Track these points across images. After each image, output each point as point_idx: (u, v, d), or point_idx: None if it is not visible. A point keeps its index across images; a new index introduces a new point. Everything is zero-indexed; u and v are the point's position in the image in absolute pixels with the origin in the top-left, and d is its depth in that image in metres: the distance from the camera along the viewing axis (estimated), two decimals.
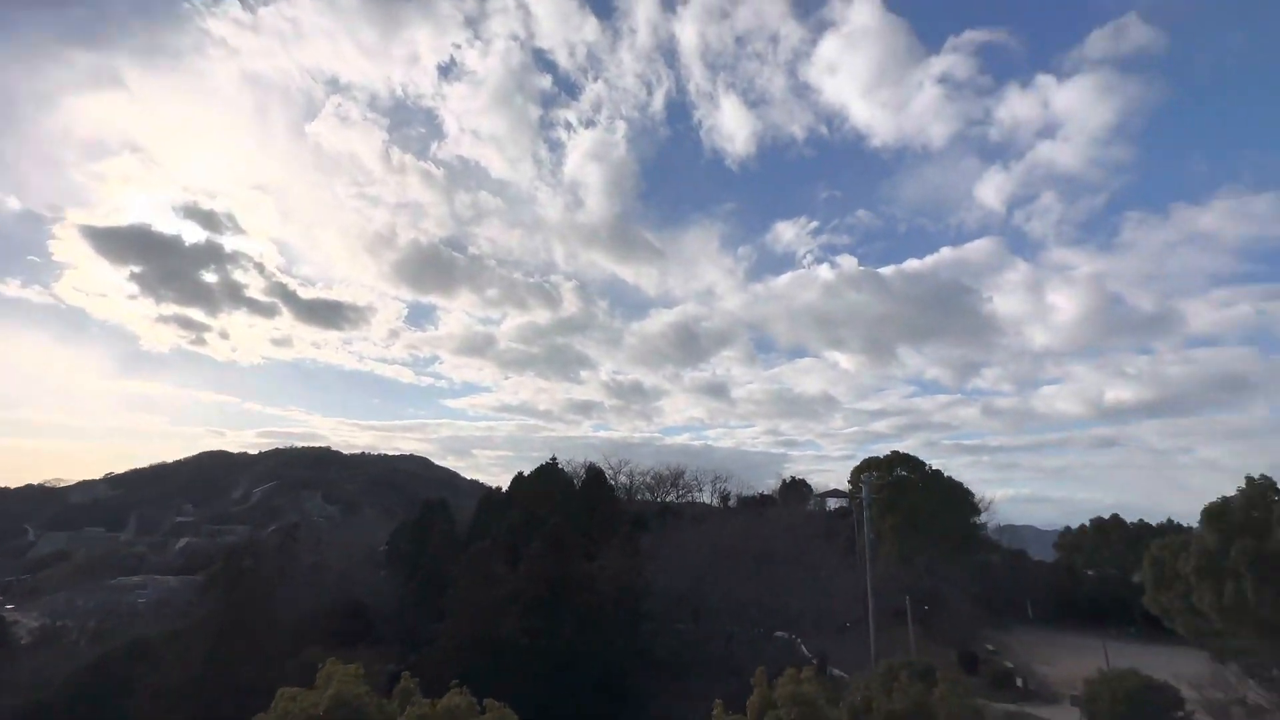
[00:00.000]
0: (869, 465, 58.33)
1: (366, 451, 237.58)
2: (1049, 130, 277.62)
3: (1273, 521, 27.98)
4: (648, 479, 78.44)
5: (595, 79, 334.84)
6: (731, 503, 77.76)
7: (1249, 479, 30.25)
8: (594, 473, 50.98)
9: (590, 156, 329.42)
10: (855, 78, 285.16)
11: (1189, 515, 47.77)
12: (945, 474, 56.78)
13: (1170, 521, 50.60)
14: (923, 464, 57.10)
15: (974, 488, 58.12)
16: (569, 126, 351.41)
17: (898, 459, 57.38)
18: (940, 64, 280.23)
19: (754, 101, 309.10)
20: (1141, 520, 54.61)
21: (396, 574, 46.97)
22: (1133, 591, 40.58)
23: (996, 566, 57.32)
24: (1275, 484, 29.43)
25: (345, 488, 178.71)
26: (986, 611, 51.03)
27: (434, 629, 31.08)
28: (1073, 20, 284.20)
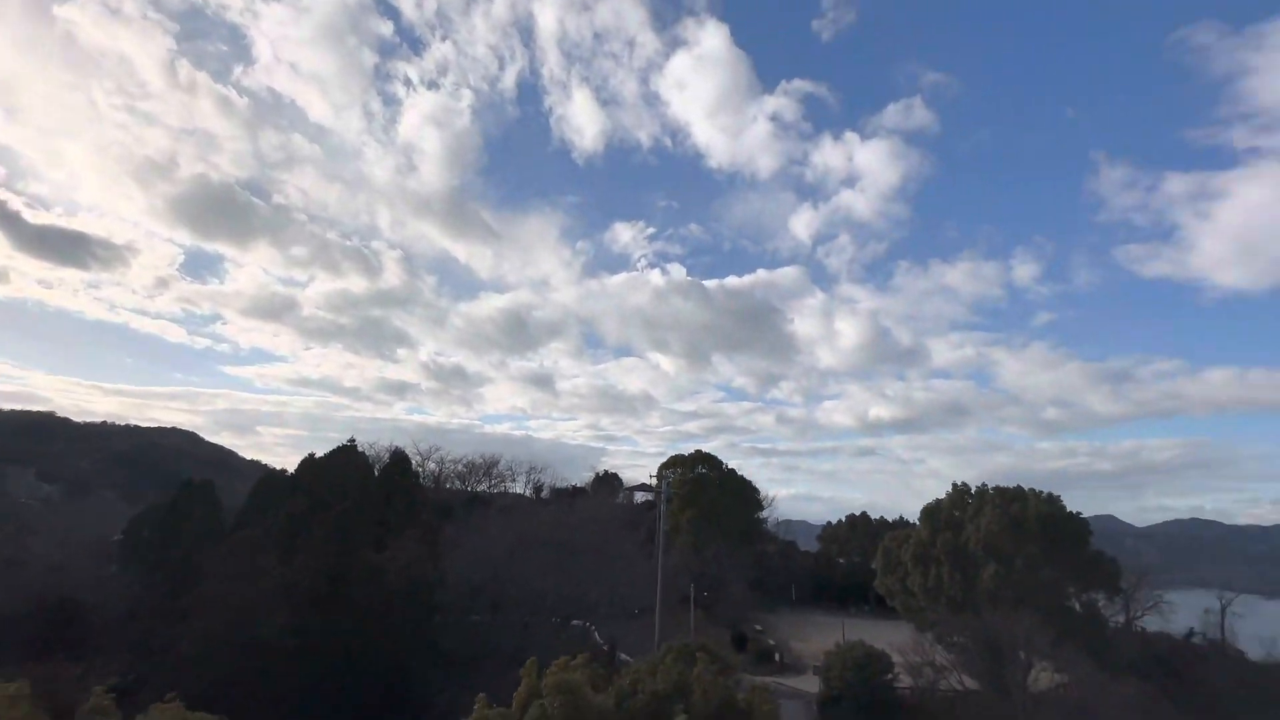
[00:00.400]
0: (675, 462, 62.39)
1: (110, 421, 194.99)
2: (851, 180, 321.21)
3: (965, 520, 35.65)
4: (459, 467, 75.52)
5: (444, 39, 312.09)
6: (545, 494, 78.11)
7: (954, 485, 38.29)
8: (398, 457, 47.68)
9: (430, 120, 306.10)
10: (700, 99, 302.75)
11: (916, 514, 58.41)
12: (739, 473, 63.00)
13: (902, 519, 61.73)
14: (721, 463, 62.64)
15: (762, 486, 65.51)
16: (409, 83, 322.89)
17: (700, 458, 62.18)
18: (772, 103, 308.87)
19: (606, 100, 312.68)
20: (883, 517, 65.96)
21: (134, 569, 39.44)
22: (870, 576, 48.64)
23: (771, 556, 64.93)
24: (970, 490, 37.58)
25: (74, 464, 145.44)
26: (760, 595, 57.62)
27: (175, 632, 26.65)
28: (878, 89, 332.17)
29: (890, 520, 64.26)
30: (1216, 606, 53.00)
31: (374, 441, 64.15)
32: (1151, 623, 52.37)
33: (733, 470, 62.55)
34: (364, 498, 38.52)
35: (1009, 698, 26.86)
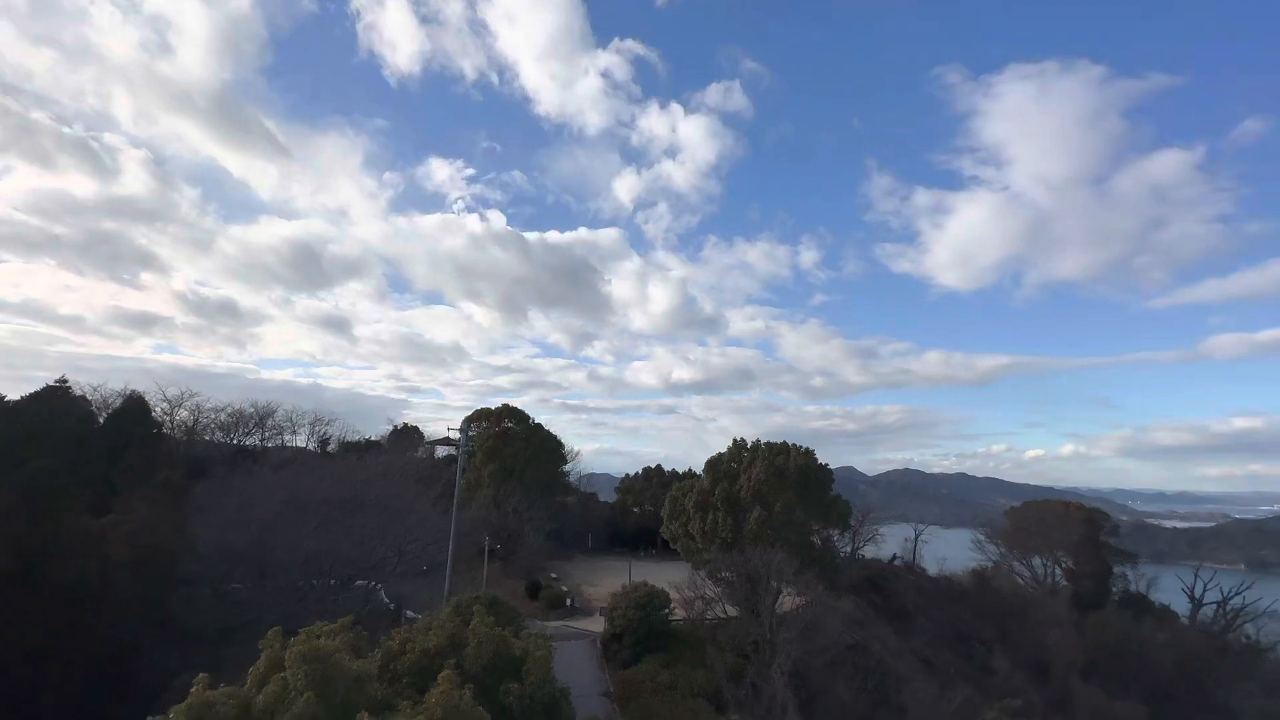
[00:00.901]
0: (480, 416, 60.80)
1: None
2: (673, 151, 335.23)
3: (741, 471, 40.41)
4: (223, 417, 65.27)
5: None
6: (331, 448, 71.01)
7: (734, 441, 43.13)
8: (133, 404, 39.36)
9: None
10: (531, 38, 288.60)
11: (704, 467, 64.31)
12: (547, 428, 63.53)
13: (690, 471, 67.89)
14: (528, 418, 62.53)
15: (568, 441, 66.96)
16: None
17: (506, 412, 61.37)
18: (605, 59, 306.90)
19: (426, 17, 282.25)
20: (674, 470, 72.03)
21: None
22: (659, 523, 52.94)
23: (571, 507, 67.27)
24: (747, 444, 42.63)
25: None
26: (559, 545, 59.57)
27: None
28: (705, 66, 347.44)
29: (681, 473, 70.29)
30: (912, 536, 67.83)
31: (101, 384, 52.32)
32: (870, 551, 65.22)
33: (539, 425, 62.88)
34: (79, 452, 31.24)
35: (759, 619, 31.48)
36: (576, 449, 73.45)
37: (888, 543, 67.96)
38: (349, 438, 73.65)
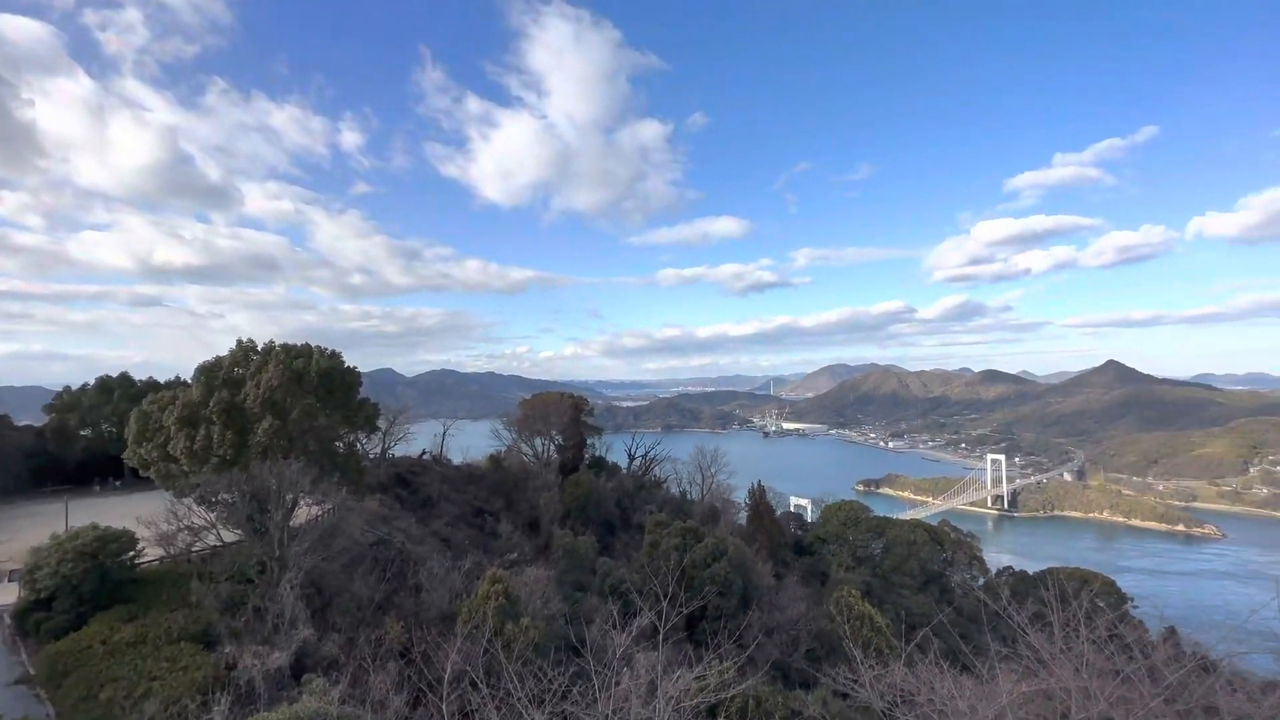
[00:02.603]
0: None
1: None
2: None
3: (247, 378, 34.30)
4: None
5: None
6: None
7: (239, 341, 35.95)
8: None
9: None
10: None
11: None
12: None
13: (178, 379, 54.15)
14: None
15: None
16: None
17: None
18: None
19: None
20: (151, 378, 55.97)
21: None
22: (125, 448, 40.80)
23: None
24: (256, 347, 36.24)
25: None
26: None
27: None
28: None
29: (165, 382, 55.32)
30: (441, 431, 72.71)
31: None
32: (401, 449, 66.90)
33: None
34: None
35: (266, 538, 28.35)
36: None
37: (418, 440, 71.02)
38: None
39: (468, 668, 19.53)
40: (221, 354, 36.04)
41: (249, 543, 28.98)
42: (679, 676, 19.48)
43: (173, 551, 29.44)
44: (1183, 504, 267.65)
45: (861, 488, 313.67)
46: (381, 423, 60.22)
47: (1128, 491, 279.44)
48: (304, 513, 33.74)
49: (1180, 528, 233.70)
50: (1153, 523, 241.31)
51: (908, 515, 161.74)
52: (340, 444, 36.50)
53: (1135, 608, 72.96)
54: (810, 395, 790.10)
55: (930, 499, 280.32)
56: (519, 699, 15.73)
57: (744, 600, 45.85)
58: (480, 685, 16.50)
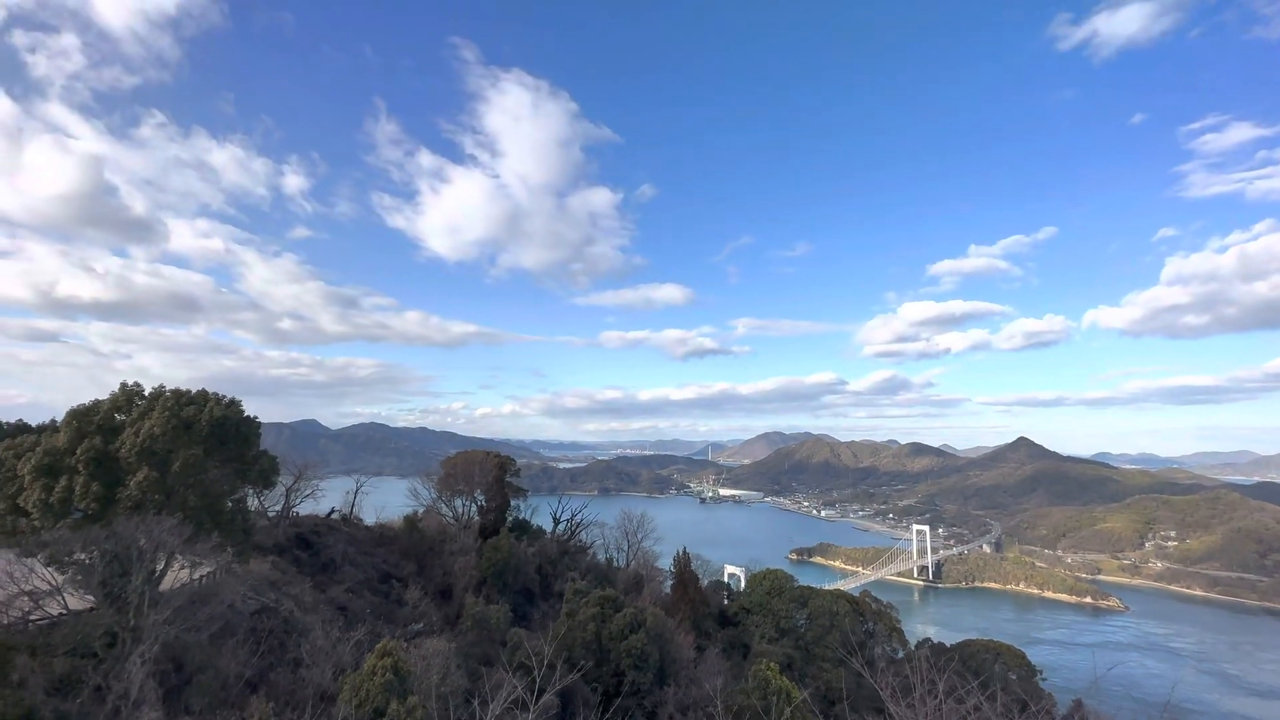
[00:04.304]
0: None
1: None
2: None
3: (127, 424, 31.47)
4: None
5: None
6: None
7: (122, 384, 33.10)
8: None
9: None
10: None
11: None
12: None
13: (54, 422, 49.09)
14: None
15: None
16: None
17: None
18: None
19: None
20: (21, 420, 50.43)
21: None
22: None
23: None
24: (143, 391, 33.47)
25: None
26: None
27: None
28: None
29: (37, 425, 50.00)
30: (354, 488, 68.52)
31: None
32: (308, 506, 62.36)
33: None
34: None
35: (123, 605, 25.27)
36: None
37: (330, 497, 66.53)
38: None
39: None
40: (102, 398, 33.06)
41: (100, 610, 25.71)
42: None
43: (4, 621, 25.70)
44: (1089, 576, 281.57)
45: (795, 556, 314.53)
46: (287, 478, 56.29)
47: (1040, 564, 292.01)
48: (176, 576, 30.45)
49: (1088, 600, 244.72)
50: (1064, 595, 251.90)
51: (840, 585, 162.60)
52: (229, 500, 33.63)
53: (1044, 680, 74.81)
54: (747, 461, 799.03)
55: (861, 569, 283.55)
56: None
57: (661, 674, 44.09)
58: None
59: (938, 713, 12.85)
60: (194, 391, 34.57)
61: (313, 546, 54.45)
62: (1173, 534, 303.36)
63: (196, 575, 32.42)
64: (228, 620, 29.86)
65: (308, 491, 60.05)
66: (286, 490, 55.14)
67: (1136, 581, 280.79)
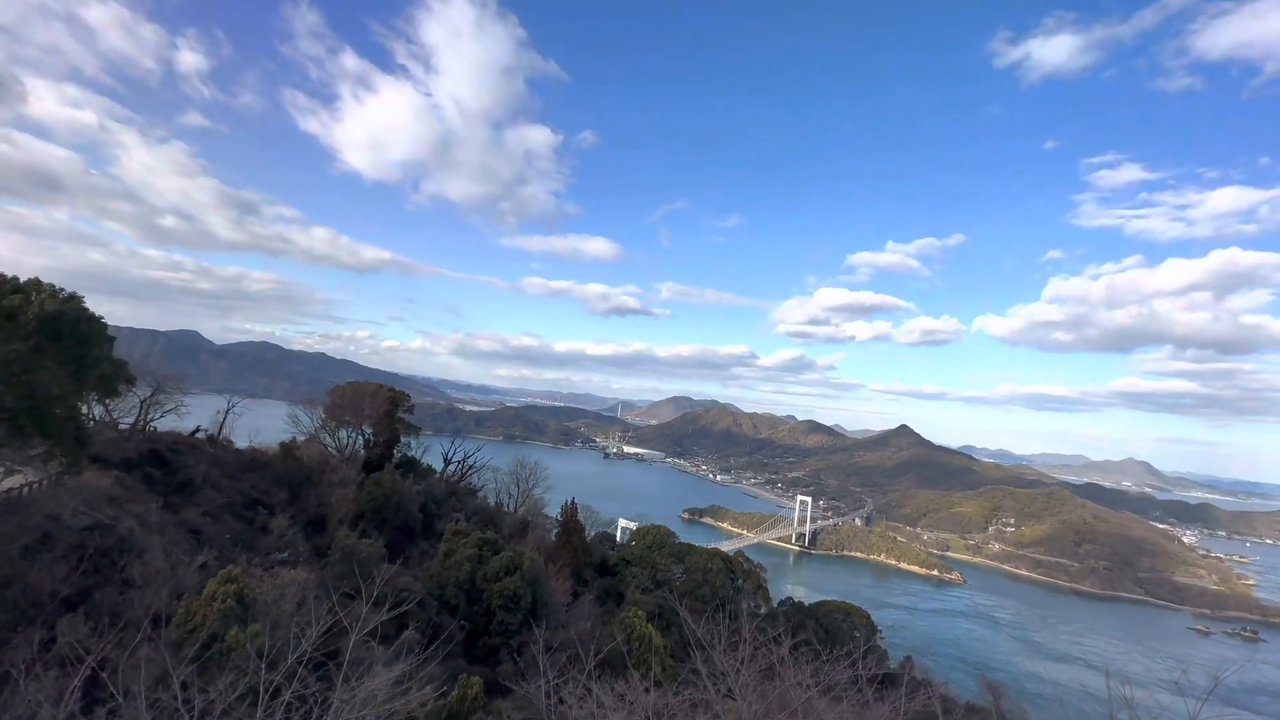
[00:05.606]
0: None
1: None
2: None
3: None
4: None
5: None
6: None
7: None
8: None
9: None
10: None
11: None
12: None
13: None
14: None
15: None
16: None
17: None
18: None
19: None
20: None
21: None
22: None
23: None
24: None
25: None
26: None
27: None
28: None
29: None
30: (225, 407, 63.73)
31: None
32: (170, 423, 57.38)
33: None
34: None
35: None
36: None
37: (194, 415, 61.53)
38: None
39: (173, 676, 16.55)
40: None
41: None
42: (409, 689, 18.41)
43: None
44: (939, 553, 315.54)
45: (688, 516, 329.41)
46: (145, 390, 51.35)
47: (901, 539, 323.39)
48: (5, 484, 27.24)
49: (935, 573, 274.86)
50: (916, 567, 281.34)
51: (724, 545, 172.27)
52: (61, 407, 30.14)
53: (884, 638, 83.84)
54: (654, 422, 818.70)
55: (746, 531, 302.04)
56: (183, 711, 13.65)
57: (533, 616, 45.08)
58: (139, 695, 14.05)
59: (751, 659, 13.84)
60: (24, 280, 30.33)
61: (170, 465, 50.40)
62: (1012, 521, 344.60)
63: (15, 484, 29.17)
64: (48, 533, 27.19)
65: (170, 406, 55.13)
66: (142, 402, 50.43)
67: (977, 559, 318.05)
